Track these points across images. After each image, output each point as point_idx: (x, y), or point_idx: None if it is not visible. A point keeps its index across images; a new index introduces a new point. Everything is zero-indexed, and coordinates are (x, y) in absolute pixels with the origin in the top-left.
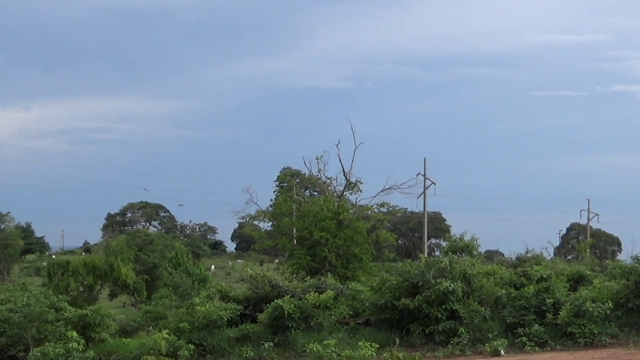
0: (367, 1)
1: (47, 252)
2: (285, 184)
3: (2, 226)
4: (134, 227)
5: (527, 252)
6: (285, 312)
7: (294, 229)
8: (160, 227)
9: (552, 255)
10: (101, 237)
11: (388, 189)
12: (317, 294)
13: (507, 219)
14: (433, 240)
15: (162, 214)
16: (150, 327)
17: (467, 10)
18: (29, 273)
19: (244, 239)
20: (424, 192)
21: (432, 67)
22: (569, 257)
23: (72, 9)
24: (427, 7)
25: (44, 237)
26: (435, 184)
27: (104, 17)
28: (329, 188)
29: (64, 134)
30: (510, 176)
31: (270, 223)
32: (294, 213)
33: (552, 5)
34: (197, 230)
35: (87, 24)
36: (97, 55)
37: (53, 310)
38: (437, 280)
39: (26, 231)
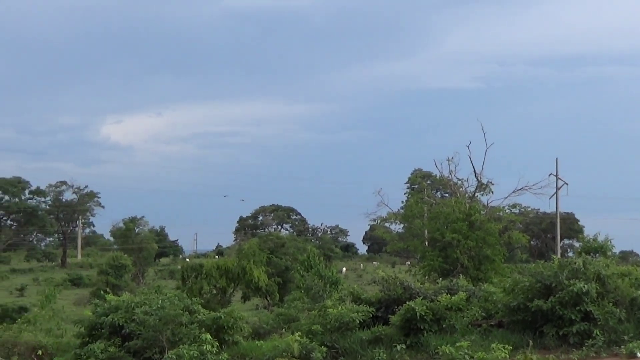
0: (497, 0)
1: (180, 256)
2: (416, 186)
3: (137, 230)
4: (266, 230)
5: None
6: (418, 314)
7: (426, 231)
8: (291, 230)
9: None
10: (233, 241)
11: (520, 189)
12: (449, 295)
13: None
14: (566, 241)
15: (294, 216)
16: (283, 329)
17: (600, 7)
18: (163, 276)
19: (376, 241)
20: (556, 192)
21: (565, 66)
22: None
23: (203, 14)
24: (559, 5)
25: (177, 240)
26: (567, 184)
27: (234, 22)
28: (460, 189)
29: (195, 138)
30: None
31: (402, 225)
32: (426, 215)
33: None
34: (329, 232)
35: (217, 30)
36: (228, 60)
37: (187, 312)
38: (571, 282)
39: (160, 235)
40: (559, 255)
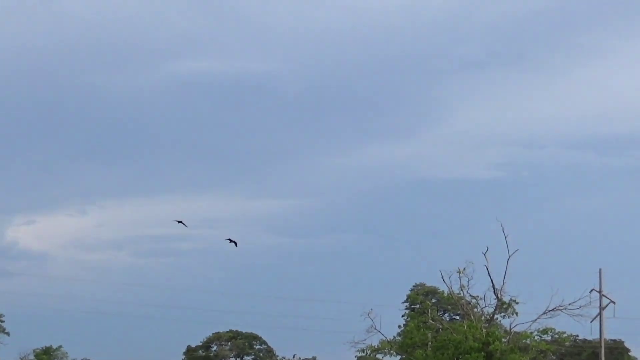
0: (521, 66)
1: None
2: (418, 306)
3: None
4: None
5: None
6: None
7: None
8: None
9: None
10: None
11: (552, 310)
12: None
13: None
14: None
15: (257, 346)
16: None
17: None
18: None
19: None
20: (599, 313)
21: (611, 149)
22: None
23: (141, 85)
24: (602, 71)
25: None
26: (614, 302)
27: (181, 94)
28: (475, 310)
29: (130, 243)
30: None
31: (399, 357)
32: (430, 343)
33: None
34: None
35: (160, 105)
36: (173, 143)
37: None
38: None
39: None
40: None
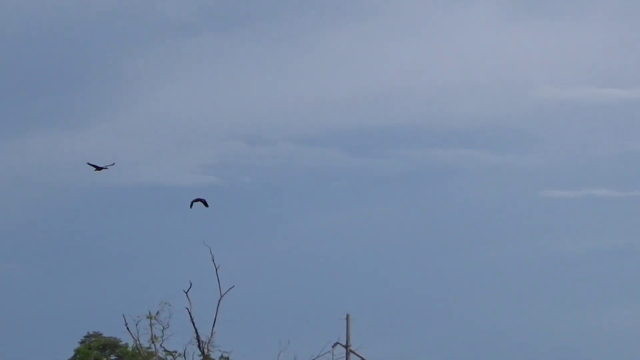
0: (245, 32)
1: None
2: None
3: None
4: None
5: None
6: None
7: None
8: None
9: None
10: None
11: None
12: None
13: None
14: None
15: None
16: None
17: (422, 46)
18: None
19: None
20: None
21: (365, 148)
22: None
23: None
24: (354, 42)
25: None
26: None
27: None
28: None
29: None
30: (509, 333)
31: None
32: None
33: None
34: None
35: None
36: None
37: None
38: None
39: None
40: None
